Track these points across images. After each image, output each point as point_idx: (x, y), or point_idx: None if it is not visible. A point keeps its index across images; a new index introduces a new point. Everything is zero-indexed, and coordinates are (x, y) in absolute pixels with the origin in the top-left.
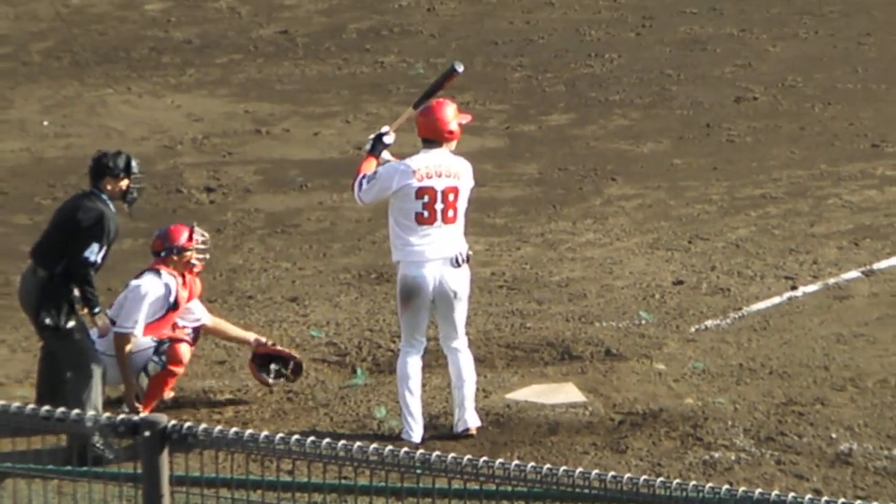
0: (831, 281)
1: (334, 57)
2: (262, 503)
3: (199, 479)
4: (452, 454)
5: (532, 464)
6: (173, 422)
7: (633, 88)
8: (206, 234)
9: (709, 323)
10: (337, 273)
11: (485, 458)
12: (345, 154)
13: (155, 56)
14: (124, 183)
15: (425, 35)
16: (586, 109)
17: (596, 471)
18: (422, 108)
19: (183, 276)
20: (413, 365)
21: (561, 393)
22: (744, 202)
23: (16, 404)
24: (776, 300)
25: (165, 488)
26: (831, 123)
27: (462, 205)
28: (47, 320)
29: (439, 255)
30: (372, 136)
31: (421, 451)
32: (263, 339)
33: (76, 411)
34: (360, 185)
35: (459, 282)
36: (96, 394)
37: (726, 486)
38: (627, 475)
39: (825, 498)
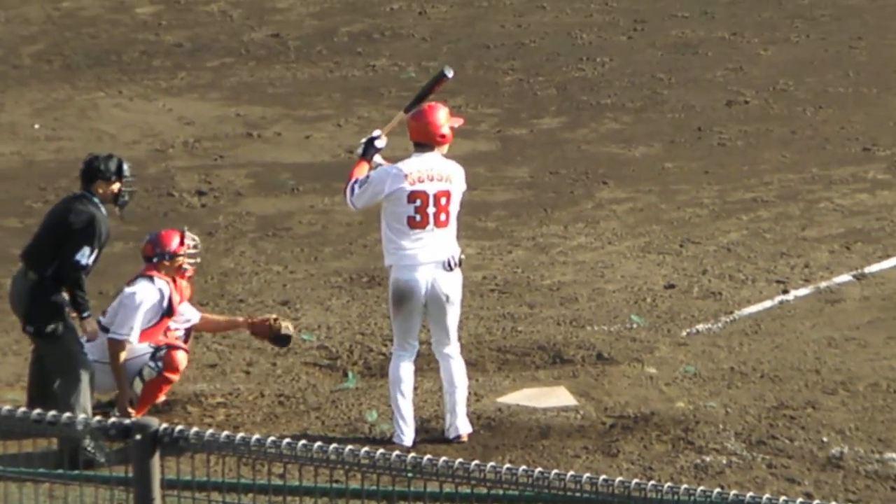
0: (823, 285)
1: (326, 60)
2: None
3: (190, 482)
4: (444, 458)
5: (523, 467)
6: (164, 425)
7: (624, 92)
8: (197, 239)
9: (700, 327)
10: (328, 276)
11: (476, 462)
12: (336, 157)
13: (146, 59)
14: (116, 186)
15: (417, 38)
16: (578, 113)
17: (587, 474)
18: (413, 112)
19: (174, 281)
20: (405, 369)
21: (552, 397)
22: (735, 206)
23: (7, 408)
24: (767, 304)
25: (157, 492)
26: (823, 127)
27: (454, 208)
28: (37, 323)
29: (431, 258)
30: (363, 140)
31: (412, 454)
32: (250, 319)
33: (67, 414)
34: (353, 189)
35: (452, 286)
36: (85, 397)
37: (717, 490)
38: (619, 479)
39: (816, 501)
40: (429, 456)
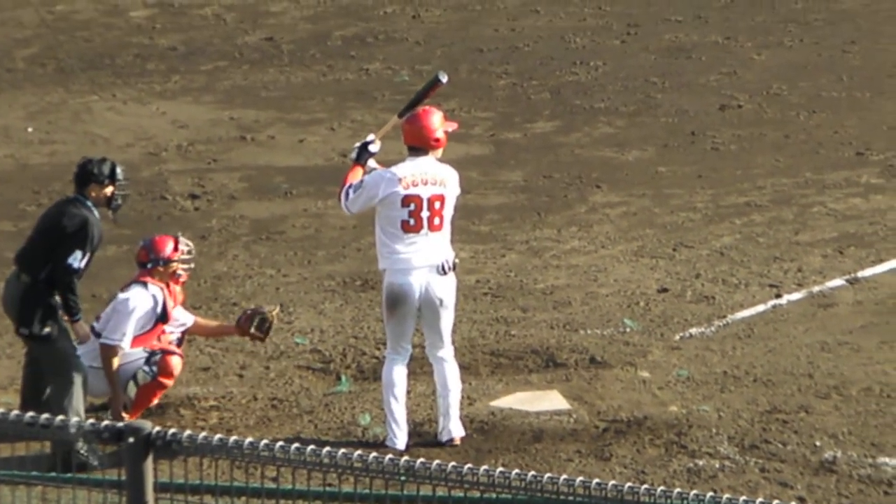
0: (816, 289)
1: (319, 64)
2: None
3: (183, 485)
4: (437, 461)
5: (516, 471)
6: (157, 428)
7: (618, 96)
8: (191, 244)
9: (693, 331)
10: (321, 280)
11: (469, 466)
12: (330, 161)
13: (140, 63)
14: (109, 189)
15: (410, 42)
16: (571, 117)
17: (580, 478)
18: (407, 116)
19: (168, 286)
20: (398, 372)
21: (545, 400)
22: (728, 210)
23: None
24: (760, 308)
25: (149, 495)
26: (816, 131)
27: (448, 212)
28: (30, 326)
29: (425, 262)
30: (357, 144)
31: (405, 458)
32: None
33: (60, 417)
34: (347, 194)
35: (445, 290)
36: (78, 400)
37: (710, 494)
38: (611, 483)
39: None
40: (422, 459)
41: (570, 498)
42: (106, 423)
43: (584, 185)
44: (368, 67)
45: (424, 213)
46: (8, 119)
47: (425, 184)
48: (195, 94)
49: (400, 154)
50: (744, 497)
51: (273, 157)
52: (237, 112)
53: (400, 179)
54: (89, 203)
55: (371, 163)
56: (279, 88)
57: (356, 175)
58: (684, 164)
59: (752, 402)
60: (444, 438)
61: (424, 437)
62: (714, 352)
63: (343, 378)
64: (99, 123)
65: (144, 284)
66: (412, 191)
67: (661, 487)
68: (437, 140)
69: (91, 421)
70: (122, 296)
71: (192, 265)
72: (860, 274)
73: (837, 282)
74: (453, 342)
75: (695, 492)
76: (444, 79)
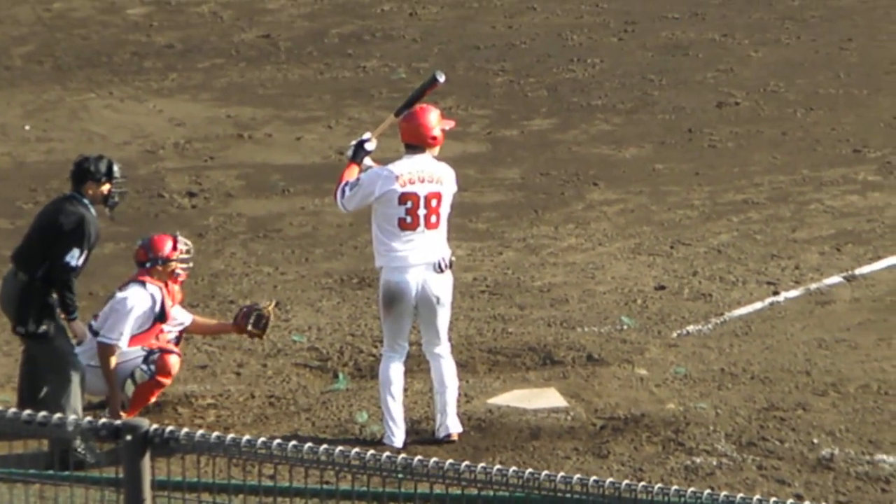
0: (813, 286)
1: (316, 61)
2: None
3: (180, 483)
4: (434, 458)
5: (514, 468)
6: (155, 426)
7: (615, 93)
8: (190, 244)
9: (690, 328)
10: (319, 278)
11: (467, 463)
12: (327, 159)
13: (137, 60)
14: (106, 187)
15: (407, 40)
16: (568, 114)
17: (577, 476)
18: (404, 115)
19: (166, 285)
20: (395, 370)
21: (543, 398)
22: (726, 207)
23: None
24: (758, 305)
25: (147, 493)
26: (813, 129)
27: (445, 210)
28: (28, 324)
29: (422, 260)
30: (353, 143)
31: (403, 455)
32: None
33: (58, 415)
34: (343, 192)
35: (442, 287)
36: (75, 398)
37: (708, 491)
38: (609, 480)
39: (806, 503)
40: (419, 457)
41: (568, 495)
42: (103, 420)
43: (581, 182)
44: (365, 65)
45: (421, 211)
46: (5, 117)
47: (422, 181)
48: (192, 92)
49: (397, 152)
50: (741, 494)
51: (270, 154)
52: (234, 110)
53: (397, 177)
54: (86, 201)
55: (367, 161)
56: (276, 86)
57: (352, 173)
58: (681, 162)
59: (749, 400)
60: (442, 434)
61: (422, 434)
62: (711, 349)
63: (340, 376)
64: (96, 121)
65: (143, 283)
66: (409, 188)
67: (659, 485)
68: (435, 138)
69: (88, 419)
70: (120, 295)
71: (191, 264)
72: (858, 271)
73: (835, 279)
74: (450, 339)
75: (692, 489)
76: (442, 78)
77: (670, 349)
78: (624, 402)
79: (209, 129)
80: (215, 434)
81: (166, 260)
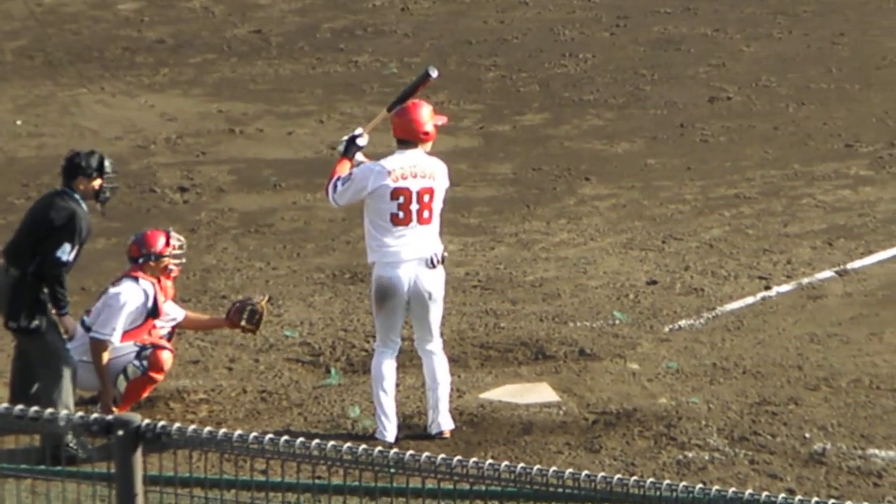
0: (805, 281)
1: (308, 56)
2: (235, 502)
3: (172, 478)
4: (426, 453)
5: (506, 463)
6: (147, 421)
7: (607, 88)
8: (183, 239)
9: (682, 323)
10: (311, 273)
11: (459, 458)
12: (319, 154)
13: (128, 56)
14: (97, 182)
15: (399, 35)
16: (560, 109)
17: (570, 470)
18: (396, 110)
19: (158, 280)
20: (387, 365)
21: (535, 393)
22: (717, 202)
23: None
24: (750, 300)
25: (139, 488)
26: (805, 123)
27: (437, 205)
28: (19, 319)
29: (415, 255)
30: (345, 138)
31: (395, 450)
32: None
33: (49, 410)
34: (335, 187)
35: (434, 283)
36: (67, 393)
37: (700, 486)
38: (601, 474)
39: (798, 497)
40: (411, 452)
41: (560, 490)
42: (95, 415)
43: (573, 177)
44: (357, 60)
45: (414, 206)
46: None
47: (414, 177)
48: (184, 87)
49: (389, 147)
50: (733, 489)
51: (262, 149)
52: (226, 105)
53: (389, 172)
54: (77, 196)
55: (359, 156)
56: (268, 81)
57: (344, 168)
58: (673, 157)
59: (741, 394)
60: (434, 431)
61: (414, 429)
62: (703, 344)
63: (332, 371)
64: (87, 116)
65: (136, 279)
66: (401, 184)
67: (651, 479)
68: (427, 133)
69: (80, 414)
70: (112, 290)
71: (184, 260)
72: (849, 266)
73: (827, 273)
74: (442, 335)
75: (684, 483)
76: (435, 74)
77: (662, 344)
78: (616, 396)
79: (201, 125)
80: (207, 429)
81: (159, 255)
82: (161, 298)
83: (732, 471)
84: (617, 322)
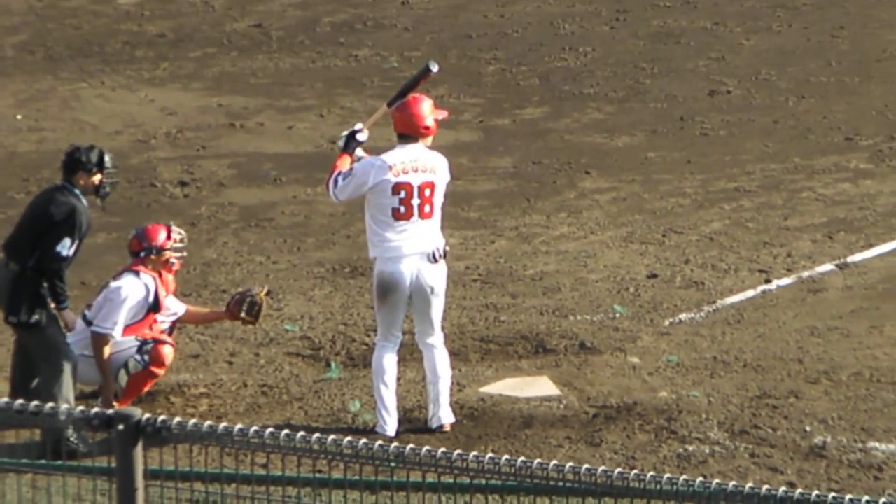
0: (805, 274)
1: (308, 50)
2: (236, 496)
3: (173, 472)
4: (427, 447)
5: (506, 457)
6: (147, 415)
7: (607, 82)
8: (184, 233)
9: (683, 316)
10: (311, 267)
11: (459, 452)
12: (319, 148)
13: (129, 50)
14: (97, 178)
15: (399, 28)
16: (560, 103)
17: (570, 464)
18: (396, 105)
19: (160, 274)
20: (388, 359)
21: (535, 386)
22: (718, 195)
23: None
24: (750, 293)
25: (139, 482)
26: (805, 117)
27: (438, 200)
28: (20, 314)
29: (416, 250)
30: (345, 133)
31: (395, 444)
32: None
33: (50, 405)
34: (336, 182)
35: (436, 277)
36: (67, 388)
37: (700, 479)
38: (601, 468)
39: (799, 491)
40: (411, 446)
41: (560, 484)
42: (95, 410)
43: (573, 170)
44: (357, 54)
45: (415, 201)
46: None
47: (416, 171)
48: (184, 82)
49: (389, 141)
50: (734, 482)
51: (262, 143)
52: (226, 99)
53: (390, 167)
54: (77, 191)
55: (358, 151)
56: (268, 75)
57: (344, 163)
58: (673, 150)
59: (741, 388)
60: (434, 425)
61: (414, 423)
62: (704, 337)
63: (333, 365)
64: (88, 111)
65: (137, 273)
66: (402, 178)
67: (651, 473)
68: (427, 128)
69: (81, 408)
70: (114, 284)
71: (185, 254)
72: (850, 259)
73: (827, 267)
74: (443, 329)
75: (684, 477)
76: (435, 68)
77: (663, 337)
78: (616, 390)
79: (201, 119)
80: (207, 423)
81: (160, 249)
82: (162, 293)
83: (733, 464)
84: (617, 316)
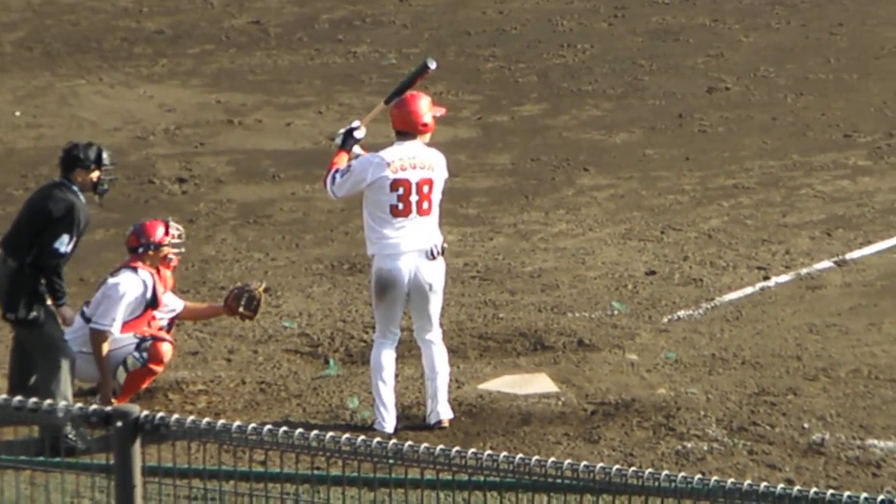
0: (804, 271)
1: (307, 47)
2: (234, 493)
3: (171, 469)
4: (425, 444)
5: (504, 454)
6: (146, 412)
7: (605, 79)
8: (182, 229)
9: (681, 313)
10: (309, 264)
11: (457, 448)
12: (317, 144)
13: (127, 46)
14: (95, 174)
15: (398, 25)
16: (559, 100)
17: (568, 460)
18: (394, 102)
19: (158, 271)
20: (387, 356)
21: (534, 383)
22: (716, 192)
23: None
24: (749, 290)
25: (138, 479)
26: (803, 114)
27: (437, 197)
28: (17, 311)
29: (414, 247)
30: (342, 130)
31: (393, 441)
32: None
33: (48, 402)
34: (334, 179)
35: (434, 274)
36: (65, 384)
37: (699, 476)
38: (600, 465)
39: (797, 488)
40: (410, 442)
41: (559, 481)
42: (94, 407)
43: (571, 167)
44: (356, 51)
45: (413, 198)
46: None
47: (414, 168)
48: (182, 78)
49: (387, 138)
50: (732, 479)
51: (260, 140)
52: (224, 96)
53: (388, 164)
54: (75, 187)
55: (356, 149)
56: (266, 72)
57: (342, 160)
58: (672, 147)
59: (740, 385)
60: (433, 421)
61: (413, 420)
62: (702, 334)
63: (331, 362)
64: (86, 107)
65: (135, 269)
66: (401, 175)
67: (650, 470)
68: (425, 125)
69: (79, 405)
70: (112, 280)
71: (183, 249)
72: (848, 256)
73: (825, 264)
74: (442, 326)
75: (683, 474)
76: (433, 65)
77: (661, 334)
78: (615, 387)
79: (199, 115)
80: (206, 420)
81: (158, 245)
82: (160, 289)
83: (731, 461)
84: (616, 313)
